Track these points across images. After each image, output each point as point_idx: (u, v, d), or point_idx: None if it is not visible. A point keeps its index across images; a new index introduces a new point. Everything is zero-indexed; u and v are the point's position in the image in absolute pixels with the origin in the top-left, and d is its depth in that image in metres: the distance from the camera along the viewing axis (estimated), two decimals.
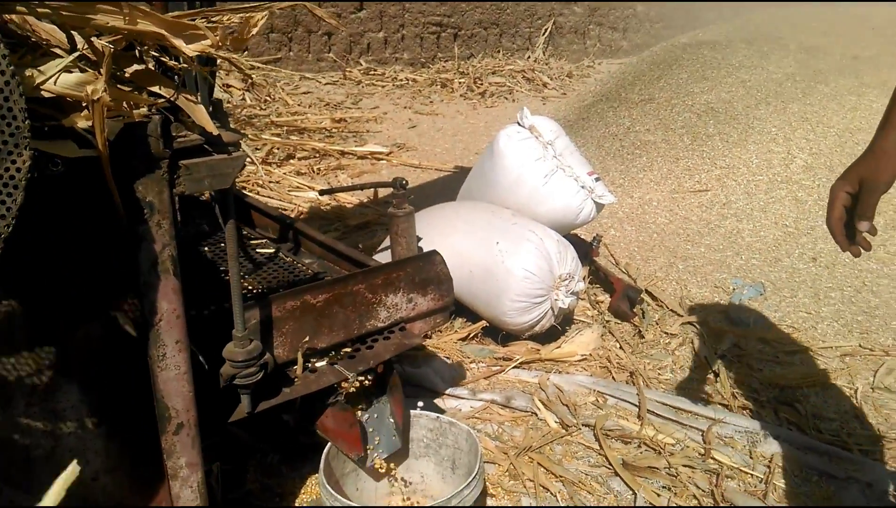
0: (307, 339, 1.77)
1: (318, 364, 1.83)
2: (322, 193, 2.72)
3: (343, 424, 1.90)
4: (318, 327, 1.79)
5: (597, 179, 3.20)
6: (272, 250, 2.43)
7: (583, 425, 2.56)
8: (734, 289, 3.53)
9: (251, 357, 1.55)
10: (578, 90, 6.94)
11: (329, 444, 1.95)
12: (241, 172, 1.37)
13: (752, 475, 2.32)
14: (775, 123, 4.85)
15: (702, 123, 4.98)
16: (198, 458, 1.45)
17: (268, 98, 7.08)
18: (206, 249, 2.46)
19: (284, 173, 5.06)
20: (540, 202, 3.17)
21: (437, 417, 2.09)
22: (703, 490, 2.24)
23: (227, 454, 2.30)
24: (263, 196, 4.51)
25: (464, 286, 3.00)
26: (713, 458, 2.38)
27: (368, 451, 1.97)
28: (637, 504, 2.17)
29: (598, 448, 2.44)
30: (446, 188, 4.33)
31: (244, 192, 3.04)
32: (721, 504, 2.17)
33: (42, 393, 1.30)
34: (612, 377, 2.86)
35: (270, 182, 4.89)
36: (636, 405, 2.65)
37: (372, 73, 8.79)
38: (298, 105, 7.01)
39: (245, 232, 2.62)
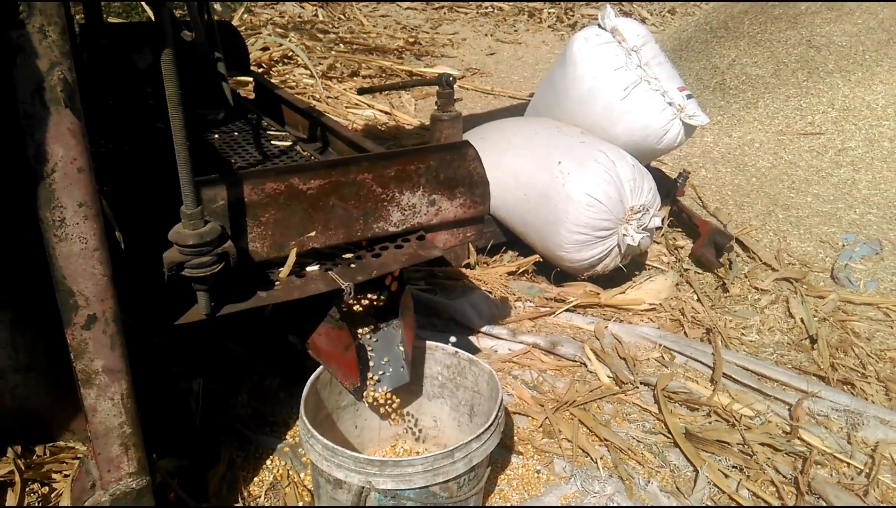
0: (293, 234, 1.41)
1: (309, 269, 1.47)
2: (361, 91, 2.35)
3: (337, 345, 1.54)
4: (308, 221, 1.43)
5: (688, 97, 2.67)
6: (288, 143, 2.07)
7: (641, 383, 2.13)
8: (844, 245, 2.95)
9: (204, 242, 1.20)
10: (679, 26, 6.22)
11: (320, 368, 1.60)
12: None
13: (849, 464, 1.84)
14: None
15: (821, 57, 4.28)
16: (121, 363, 1.12)
17: (342, 17, 6.69)
18: (215, 136, 2.13)
19: (345, 89, 4.70)
20: (616, 121, 2.67)
21: (456, 352, 1.71)
22: (784, 477, 1.79)
23: (219, 372, 2.01)
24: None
25: (516, 213, 2.58)
26: (801, 439, 1.91)
27: (370, 382, 1.62)
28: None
29: (657, 411, 2.01)
30: (517, 116, 3.87)
31: (275, 83, 2.68)
32: (806, 496, 1.72)
33: None
34: (685, 333, 2.40)
35: (329, 97, 4.54)
36: (710, 367, 2.20)
37: None
38: (374, 27, 6.59)
39: (265, 123, 2.28)
